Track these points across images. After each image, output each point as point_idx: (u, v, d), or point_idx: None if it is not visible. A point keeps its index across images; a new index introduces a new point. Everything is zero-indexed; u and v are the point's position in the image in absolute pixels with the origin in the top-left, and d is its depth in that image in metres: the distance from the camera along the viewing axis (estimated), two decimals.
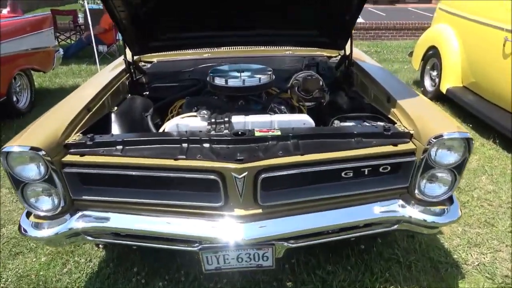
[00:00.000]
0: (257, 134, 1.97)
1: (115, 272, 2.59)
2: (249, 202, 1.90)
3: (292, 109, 2.74)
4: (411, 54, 6.75)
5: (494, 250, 2.79)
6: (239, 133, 1.99)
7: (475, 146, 4.20)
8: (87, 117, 2.22)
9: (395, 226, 2.12)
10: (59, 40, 10.39)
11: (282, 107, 2.60)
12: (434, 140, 1.86)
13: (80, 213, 2.04)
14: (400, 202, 2.07)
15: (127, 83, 2.84)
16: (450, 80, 5.38)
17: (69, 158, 1.92)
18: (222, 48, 3.49)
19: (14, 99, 5.50)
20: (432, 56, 5.93)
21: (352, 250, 2.69)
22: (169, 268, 2.59)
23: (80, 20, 10.71)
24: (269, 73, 2.58)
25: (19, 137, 1.92)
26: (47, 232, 2.02)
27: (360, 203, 2.05)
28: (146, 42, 2.82)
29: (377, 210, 2.04)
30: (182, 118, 2.26)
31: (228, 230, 1.93)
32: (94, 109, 2.32)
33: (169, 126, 2.22)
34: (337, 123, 2.30)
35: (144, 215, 2.02)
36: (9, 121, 5.28)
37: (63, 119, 2.08)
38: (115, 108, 2.50)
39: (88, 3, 9.17)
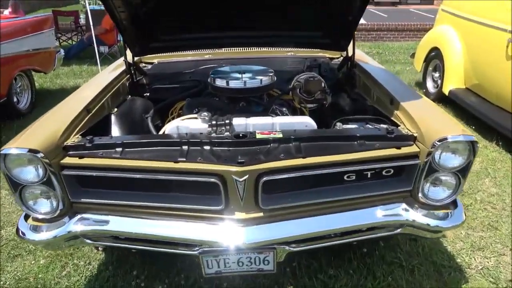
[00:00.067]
0: (258, 136, 1.94)
1: (114, 275, 2.57)
2: (250, 205, 1.88)
3: (294, 111, 2.71)
4: (413, 55, 6.72)
5: (498, 254, 2.76)
6: (240, 135, 1.96)
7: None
8: (86, 118, 2.19)
9: (398, 230, 2.09)
10: (61, 41, 10.37)
11: (284, 109, 2.58)
12: (438, 143, 1.83)
13: (79, 216, 2.01)
14: (404, 205, 2.03)
15: (127, 84, 2.81)
16: (453, 82, 5.35)
17: (67, 160, 1.89)
18: (223, 49, 3.46)
19: (15, 100, 5.48)
20: (435, 58, 5.89)
21: (354, 253, 2.66)
22: (169, 272, 2.57)
23: (82, 21, 10.69)
24: (271, 74, 2.56)
25: (17, 139, 1.89)
26: (45, 235, 1.99)
27: (363, 206, 2.01)
28: (147, 43, 2.80)
29: (380, 213, 2.01)
30: (183, 120, 2.24)
31: (229, 234, 1.90)
32: (94, 110, 2.29)
33: (169, 128, 2.19)
34: (339, 125, 2.27)
35: (144, 218, 1.99)
36: (9, 122, 5.26)
37: (62, 120, 2.05)
38: (115, 109, 2.48)
39: (89, 4, 9.17)
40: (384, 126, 2.15)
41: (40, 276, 2.61)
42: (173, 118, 2.61)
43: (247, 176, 1.77)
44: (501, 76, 4.42)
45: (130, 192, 1.96)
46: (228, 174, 1.78)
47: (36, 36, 5.77)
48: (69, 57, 8.71)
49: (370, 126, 2.24)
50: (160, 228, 1.97)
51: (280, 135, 1.95)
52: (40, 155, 1.79)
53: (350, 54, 2.84)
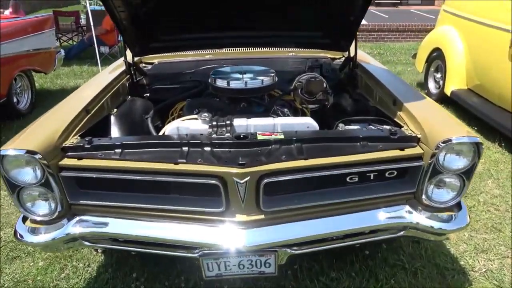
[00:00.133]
0: (259, 137, 1.92)
1: (113, 278, 2.54)
2: (251, 207, 1.85)
3: (295, 112, 2.68)
4: (414, 56, 6.69)
5: (501, 257, 2.73)
6: (241, 136, 1.93)
7: None
8: (85, 119, 2.17)
9: (402, 233, 2.06)
10: (61, 41, 10.37)
11: (285, 109, 2.55)
12: (443, 145, 1.80)
13: (77, 218, 1.99)
14: (407, 208, 2.00)
15: (127, 84, 2.78)
16: (455, 82, 5.32)
17: (66, 161, 1.86)
18: (224, 49, 3.43)
19: (15, 100, 5.46)
20: (436, 58, 5.87)
21: (356, 256, 2.63)
22: (169, 274, 2.54)
23: (82, 21, 10.69)
24: (272, 74, 2.53)
25: (15, 139, 1.87)
26: (43, 237, 1.96)
27: (365, 208, 1.98)
28: (147, 43, 2.77)
29: (383, 216, 1.98)
30: (183, 120, 2.21)
31: (230, 237, 1.87)
32: (93, 111, 2.27)
33: (169, 129, 2.17)
34: (341, 126, 2.24)
35: (143, 221, 1.96)
36: (9, 122, 5.25)
37: (61, 121, 2.02)
38: (115, 110, 2.45)
39: (90, 4, 9.16)
40: (387, 127, 2.12)
41: (38, 278, 2.59)
42: (173, 119, 2.58)
43: (248, 177, 1.74)
44: (503, 77, 4.39)
45: (129, 194, 1.93)
46: (228, 175, 1.75)
47: (37, 36, 5.75)
48: (69, 57, 8.70)
49: (373, 127, 2.22)
50: (160, 231, 1.94)
51: (282, 136, 1.92)
52: (38, 156, 1.76)
53: (352, 54, 2.82)
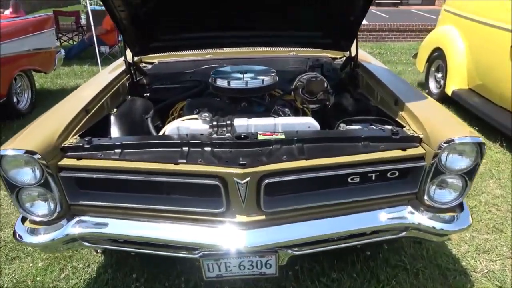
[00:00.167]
0: (260, 137, 1.90)
1: (113, 278, 2.53)
2: (252, 208, 1.83)
3: (296, 112, 2.67)
4: (415, 56, 6.67)
5: (503, 257, 2.71)
6: (242, 136, 1.92)
7: None
8: (85, 119, 2.15)
9: (403, 233, 2.04)
10: (62, 41, 10.36)
11: (286, 109, 2.54)
12: (445, 145, 1.78)
13: (77, 219, 1.97)
14: (409, 208, 1.99)
15: (127, 84, 2.77)
16: (456, 82, 5.31)
17: (65, 161, 1.85)
18: (224, 49, 3.42)
19: (15, 100, 5.45)
20: (437, 58, 5.85)
21: (357, 256, 2.61)
22: (169, 274, 2.52)
23: (83, 21, 10.67)
24: (273, 74, 2.52)
25: (14, 139, 1.86)
26: (43, 238, 1.95)
27: (367, 209, 1.97)
28: (147, 43, 2.76)
29: (385, 216, 1.97)
30: (183, 120, 2.20)
31: (230, 237, 1.85)
32: (93, 111, 2.25)
33: (169, 129, 2.15)
34: (343, 126, 2.23)
35: (143, 221, 1.95)
36: (9, 122, 5.24)
37: (60, 121, 2.01)
38: (115, 110, 2.43)
39: (90, 4, 9.15)
40: (389, 127, 2.11)
41: (38, 279, 2.57)
42: (173, 119, 2.57)
43: (248, 178, 1.73)
44: (504, 77, 4.37)
45: (129, 194, 1.92)
46: (229, 176, 1.74)
47: (37, 36, 5.74)
48: (70, 57, 8.69)
49: (374, 127, 2.20)
50: (160, 231, 1.92)
51: (283, 136, 1.90)
52: (37, 156, 1.75)
53: (353, 54, 2.80)
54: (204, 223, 1.91)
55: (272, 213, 1.86)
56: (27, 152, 1.74)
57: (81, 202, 1.92)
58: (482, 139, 1.81)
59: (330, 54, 3.32)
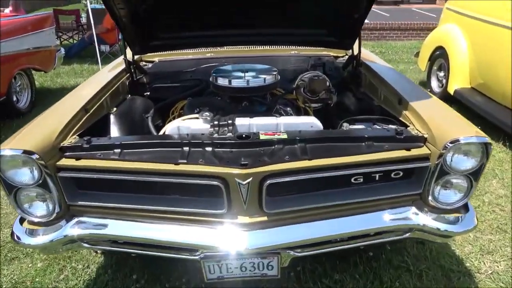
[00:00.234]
0: (262, 137, 1.87)
1: (113, 279, 2.50)
2: (254, 209, 1.80)
3: (298, 111, 2.64)
4: (417, 54, 6.64)
5: (507, 258, 2.68)
6: (243, 136, 1.88)
7: None
8: (84, 118, 2.12)
9: (407, 234, 2.01)
10: (62, 39, 10.33)
11: (288, 108, 2.50)
12: (450, 145, 1.75)
13: (76, 219, 1.94)
14: (413, 209, 1.96)
15: (127, 83, 2.73)
16: (458, 81, 5.27)
17: (64, 162, 1.82)
18: (225, 47, 3.39)
19: (14, 99, 5.43)
20: (439, 57, 5.81)
21: (360, 257, 2.59)
22: (169, 276, 2.50)
23: (83, 20, 10.63)
24: (274, 73, 2.48)
25: (12, 139, 1.83)
26: (41, 239, 1.92)
27: (370, 210, 1.94)
28: (147, 41, 2.72)
29: (389, 217, 1.94)
30: (184, 120, 2.16)
31: (231, 239, 1.82)
32: (92, 110, 2.22)
33: (169, 128, 2.12)
34: (346, 125, 2.19)
35: (143, 222, 1.92)
36: (9, 121, 5.21)
37: (59, 120, 1.98)
38: (114, 109, 2.40)
39: (90, 3, 9.11)
40: (393, 126, 2.07)
41: (37, 280, 2.55)
42: (173, 118, 2.54)
43: (250, 178, 1.70)
44: (507, 75, 4.34)
45: (129, 195, 1.89)
46: (230, 176, 1.71)
47: (37, 34, 5.71)
48: (70, 56, 8.67)
49: (378, 127, 2.17)
50: (160, 232, 1.89)
51: (285, 136, 1.87)
52: (35, 156, 1.72)
53: (355, 52, 2.77)
54: (205, 224, 1.88)
55: (274, 214, 1.83)
56: (25, 152, 1.71)
57: (80, 202, 1.89)
58: (488, 139, 1.77)
59: (332, 52, 3.29)
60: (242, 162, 1.71)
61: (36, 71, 6.03)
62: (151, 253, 2.00)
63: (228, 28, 2.71)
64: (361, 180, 1.86)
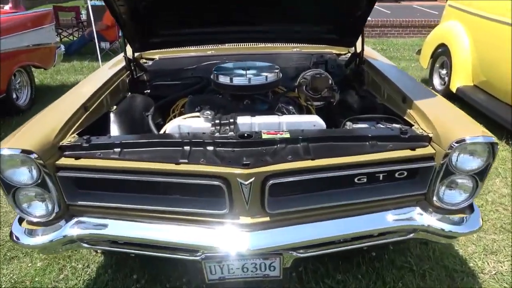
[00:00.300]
0: (264, 136, 1.84)
1: (113, 279, 2.48)
2: (256, 209, 1.77)
3: (300, 109, 2.60)
4: (419, 52, 6.60)
5: (511, 258, 2.65)
6: (245, 135, 1.85)
7: None
8: (84, 116, 2.09)
9: (411, 235, 1.98)
10: (62, 36, 10.29)
11: (290, 107, 2.47)
12: (456, 145, 1.72)
13: (75, 219, 1.92)
14: (418, 210, 1.93)
15: (127, 81, 2.70)
16: (461, 79, 5.23)
17: (63, 161, 1.79)
18: (226, 44, 3.35)
19: (14, 96, 5.39)
20: (442, 54, 5.78)
21: (362, 257, 2.56)
22: (170, 276, 2.47)
23: (83, 17, 10.60)
24: (276, 71, 2.45)
25: (10, 138, 1.79)
26: (41, 239, 1.90)
27: (374, 210, 1.91)
28: (147, 38, 2.69)
29: (393, 218, 1.90)
30: (185, 118, 2.13)
31: (233, 240, 1.79)
32: (92, 108, 2.19)
33: (170, 127, 2.09)
34: (349, 124, 2.17)
35: (144, 222, 1.89)
36: (8, 119, 5.19)
37: (58, 119, 1.94)
38: (114, 107, 2.37)
39: (90, 0, 9.06)
40: (397, 125, 2.04)
41: (36, 279, 2.52)
42: (174, 116, 2.51)
43: (253, 179, 1.67)
44: (510, 73, 4.30)
45: (129, 195, 1.86)
46: (232, 176, 1.68)
47: (36, 31, 5.67)
48: (70, 53, 8.63)
49: (382, 126, 2.14)
50: (161, 233, 1.87)
51: (287, 135, 1.84)
52: (33, 156, 1.69)
53: (358, 50, 2.73)
54: (206, 224, 1.85)
55: (276, 214, 1.80)
56: (23, 151, 1.68)
57: (79, 202, 1.87)
58: (495, 138, 1.74)
59: (334, 50, 3.26)
60: (244, 162, 1.68)
61: (36, 68, 6.00)
62: (152, 253, 1.98)
63: (229, 25, 2.68)
64: (365, 180, 1.83)
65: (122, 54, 2.71)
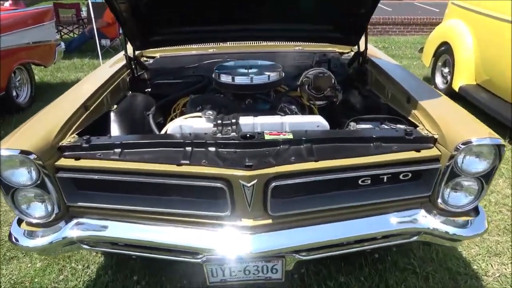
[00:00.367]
0: (267, 137, 1.81)
1: (113, 280, 2.45)
2: (258, 211, 1.75)
3: (302, 109, 2.57)
4: (421, 50, 6.56)
5: None
6: (248, 136, 1.82)
7: None
8: (84, 116, 2.06)
9: (415, 238, 1.96)
10: (62, 33, 10.25)
11: (293, 106, 2.43)
12: (462, 146, 1.69)
13: (75, 221, 1.89)
14: (422, 212, 1.90)
15: (127, 79, 2.67)
16: (463, 78, 5.19)
17: (63, 162, 1.76)
18: (228, 43, 3.32)
19: (14, 94, 5.37)
20: (444, 53, 5.73)
21: (365, 259, 2.53)
22: (171, 277, 2.45)
23: (83, 14, 10.53)
24: (279, 70, 2.42)
25: (9, 138, 1.77)
26: (40, 241, 1.87)
27: (378, 212, 1.88)
28: (148, 36, 2.66)
29: (397, 220, 1.88)
30: (186, 118, 2.10)
31: (235, 242, 1.77)
32: (92, 107, 2.16)
33: (171, 127, 2.06)
34: (353, 125, 2.13)
35: (144, 224, 1.86)
36: (8, 117, 5.17)
37: (58, 118, 1.92)
38: (115, 106, 2.34)
39: None
40: (402, 126, 2.01)
41: (36, 280, 2.50)
42: (175, 116, 2.48)
43: (255, 181, 1.64)
44: None
45: (129, 196, 1.83)
46: (235, 178, 1.65)
47: (36, 28, 5.64)
48: (70, 50, 8.58)
49: (386, 127, 2.11)
50: (162, 235, 1.84)
51: (291, 136, 1.81)
52: (32, 156, 1.66)
53: (361, 48, 2.70)
54: (207, 226, 1.83)
55: (279, 216, 1.77)
56: (22, 152, 1.66)
57: (79, 203, 1.84)
58: (502, 140, 1.71)
59: (337, 48, 3.22)
60: (247, 164, 1.66)
61: (36, 65, 5.97)
62: (152, 255, 1.95)
63: (230, 23, 2.65)
64: (369, 182, 1.80)
65: (123, 52, 2.67)
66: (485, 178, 1.80)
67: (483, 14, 4.98)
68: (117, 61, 2.85)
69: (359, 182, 1.80)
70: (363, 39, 2.66)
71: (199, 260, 1.86)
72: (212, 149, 1.78)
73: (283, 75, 2.45)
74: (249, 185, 1.65)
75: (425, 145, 1.81)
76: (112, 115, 2.27)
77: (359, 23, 2.55)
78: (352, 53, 2.92)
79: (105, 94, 2.34)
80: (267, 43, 3.29)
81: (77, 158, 1.78)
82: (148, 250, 1.94)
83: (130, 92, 2.64)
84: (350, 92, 2.72)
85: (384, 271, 2.48)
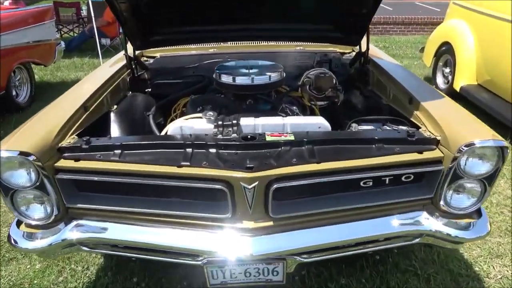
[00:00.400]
0: (268, 138, 1.79)
1: (113, 282, 2.44)
2: (259, 213, 1.73)
3: (304, 109, 2.55)
4: (422, 49, 6.54)
5: None
6: (249, 137, 1.81)
7: None
8: (83, 117, 2.05)
9: (417, 240, 1.94)
10: (62, 32, 10.23)
11: (294, 107, 2.42)
12: (465, 148, 1.67)
13: (75, 223, 1.88)
14: (425, 214, 1.89)
15: (127, 79, 2.66)
16: (464, 78, 5.17)
17: (62, 163, 1.75)
18: (229, 43, 3.30)
19: (14, 93, 5.35)
20: (445, 52, 5.71)
21: (366, 261, 2.52)
22: (171, 279, 2.44)
23: (84, 13, 10.51)
24: (280, 70, 2.40)
25: (9, 139, 1.75)
26: (39, 243, 1.86)
27: (380, 215, 1.87)
28: (148, 36, 2.64)
29: (399, 222, 1.86)
30: (186, 119, 2.09)
31: (235, 244, 1.75)
32: (92, 108, 2.15)
33: (172, 128, 2.04)
34: (355, 126, 2.12)
35: (144, 226, 1.85)
36: (8, 116, 5.15)
37: (57, 119, 1.91)
38: (115, 106, 2.33)
39: None
40: (404, 127, 2.00)
41: (35, 282, 2.49)
42: (176, 116, 2.47)
43: (256, 183, 1.63)
44: None
45: (129, 198, 1.82)
46: (235, 180, 1.63)
47: (36, 27, 5.63)
48: (70, 49, 8.56)
49: (388, 128, 2.09)
50: (162, 237, 1.83)
51: (292, 138, 1.80)
52: (32, 158, 1.65)
53: (363, 48, 2.68)
54: (208, 228, 1.81)
55: (280, 219, 1.76)
56: (21, 153, 1.65)
57: (79, 205, 1.83)
58: (506, 142, 1.69)
59: (338, 48, 3.21)
60: (248, 165, 1.64)
61: (36, 65, 5.95)
62: (153, 258, 1.94)
63: (231, 23, 2.63)
64: (371, 183, 1.79)
65: (123, 52, 2.66)
66: (488, 180, 1.78)
67: (485, 14, 4.96)
68: (117, 61, 2.83)
69: (361, 184, 1.78)
70: (364, 39, 2.64)
71: (199, 262, 1.85)
72: (212, 150, 1.76)
73: (284, 75, 2.43)
74: (250, 187, 1.63)
75: (427, 147, 1.80)
76: (112, 115, 2.26)
77: (360, 23, 2.53)
78: (354, 53, 2.91)
79: (105, 94, 2.32)
80: (268, 43, 3.28)
81: (77, 160, 1.76)
82: (148, 252, 1.93)
83: (130, 92, 2.63)
84: (351, 92, 2.70)
85: (385, 273, 2.46)
